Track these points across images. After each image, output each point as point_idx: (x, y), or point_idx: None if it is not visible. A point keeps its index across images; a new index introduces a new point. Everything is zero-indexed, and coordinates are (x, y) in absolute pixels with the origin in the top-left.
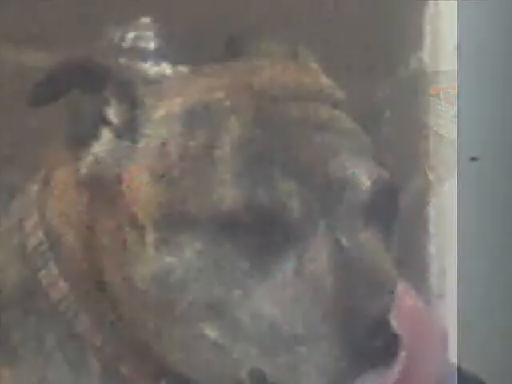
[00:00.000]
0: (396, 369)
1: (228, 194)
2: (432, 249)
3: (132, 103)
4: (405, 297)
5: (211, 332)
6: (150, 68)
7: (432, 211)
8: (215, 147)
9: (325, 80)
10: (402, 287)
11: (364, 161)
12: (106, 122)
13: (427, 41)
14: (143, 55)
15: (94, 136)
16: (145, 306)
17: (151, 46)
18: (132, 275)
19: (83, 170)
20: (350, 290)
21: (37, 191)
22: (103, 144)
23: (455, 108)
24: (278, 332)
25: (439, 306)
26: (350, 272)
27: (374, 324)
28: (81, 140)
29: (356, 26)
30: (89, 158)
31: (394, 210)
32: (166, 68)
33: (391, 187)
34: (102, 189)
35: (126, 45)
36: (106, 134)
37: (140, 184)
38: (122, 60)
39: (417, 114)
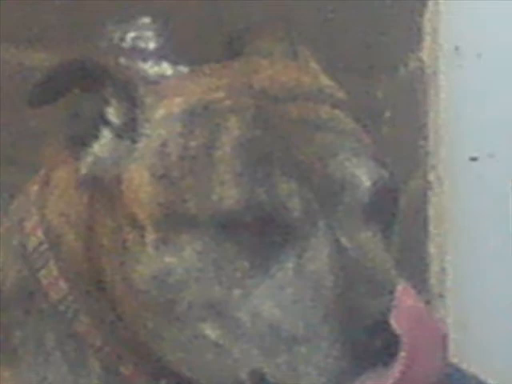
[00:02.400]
0: (396, 369)
1: (228, 194)
2: (431, 249)
3: (132, 103)
4: (405, 297)
5: (211, 332)
6: (150, 68)
7: (432, 211)
8: (215, 147)
9: (325, 80)
10: (401, 287)
11: (364, 161)
12: (106, 122)
13: (427, 41)
14: (143, 55)
15: (94, 136)
16: (145, 306)
17: (151, 46)
18: (132, 275)
19: (83, 170)
20: (350, 290)
21: (37, 191)
22: (103, 144)
23: (455, 108)
24: (277, 332)
25: (439, 306)
26: (350, 272)
27: (374, 324)
28: (81, 140)
29: (356, 26)
30: (89, 158)
31: (394, 210)
32: (166, 68)
33: (391, 187)
34: (102, 189)
35: (126, 45)
36: (106, 134)
37: (140, 184)
38: (122, 60)
39: (417, 114)
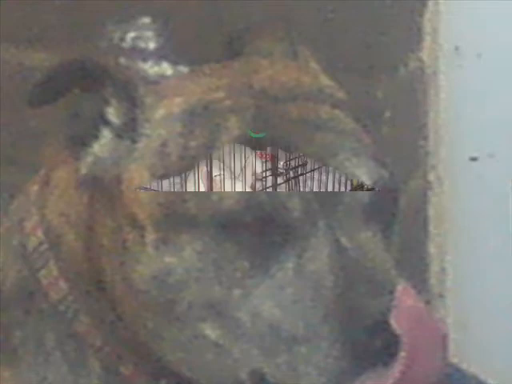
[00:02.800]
0: (396, 369)
1: (228, 194)
2: (432, 249)
3: (132, 103)
4: (405, 297)
5: (211, 332)
6: (150, 68)
7: (432, 211)
8: (215, 147)
9: (325, 80)
10: (401, 287)
11: (364, 161)
12: (106, 122)
13: (427, 41)
14: (143, 55)
15: (94, 136)
16: (145, 306)
17: (151, 46)
18: (132, 275)
19: (83, 170)
20: (350, 290)
21: (37, 191)
22: (103, 144)
23: (455, 108)
24: (277, 332)
25: (439, 306)
26: (350, 272)
27: (373, 324)
28: (81, 140)
29: (356, 26)
30: (89, 158)
31: (394, 210)
32: (166, 68)
33: (391, 187)
34: (102, 189)
35: (126, 45)
36: (106, 134)
37: (140, 184)
38: (122, 60)
39: (417, 114)
